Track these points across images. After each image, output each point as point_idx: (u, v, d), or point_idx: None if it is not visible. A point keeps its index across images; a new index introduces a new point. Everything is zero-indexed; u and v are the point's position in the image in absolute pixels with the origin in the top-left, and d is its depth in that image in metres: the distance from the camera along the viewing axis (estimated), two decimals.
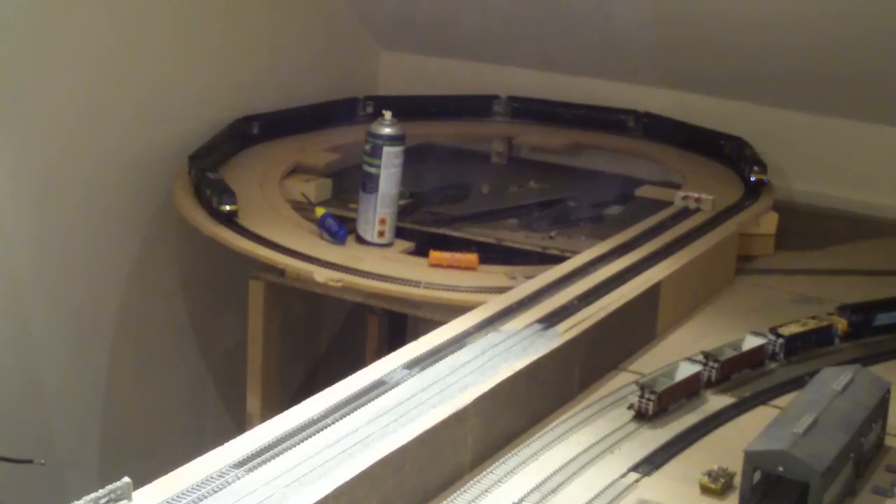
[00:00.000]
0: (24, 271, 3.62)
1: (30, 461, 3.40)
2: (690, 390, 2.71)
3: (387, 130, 3.54)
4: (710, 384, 2.77)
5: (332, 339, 4.87)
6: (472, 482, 2.28)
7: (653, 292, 3.02)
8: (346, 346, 4.82)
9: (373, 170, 3.54)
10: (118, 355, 4.00)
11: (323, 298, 3.86)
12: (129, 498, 1.90)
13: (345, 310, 4.77)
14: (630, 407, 2.62)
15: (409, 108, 4.38)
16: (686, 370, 2.71)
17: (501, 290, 3.03)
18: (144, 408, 4.17)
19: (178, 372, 4.30)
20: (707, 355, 2.79)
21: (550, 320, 2.73)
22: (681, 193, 3.68)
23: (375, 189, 3.53)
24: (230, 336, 4.32)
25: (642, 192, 4.11)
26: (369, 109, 4.58)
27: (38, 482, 3.51)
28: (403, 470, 2.15)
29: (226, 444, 2.11)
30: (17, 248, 3.59)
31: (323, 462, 2.06)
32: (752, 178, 3.83)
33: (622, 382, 2.78)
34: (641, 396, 2.60)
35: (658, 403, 2.60)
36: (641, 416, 2.60)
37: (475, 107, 4.77)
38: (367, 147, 3.56)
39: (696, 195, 3.63)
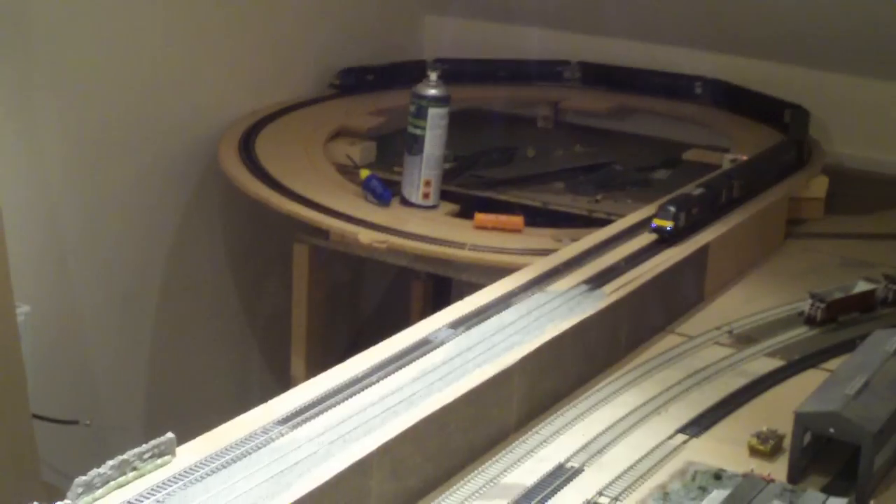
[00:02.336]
0: (69, 235, 3.62)
1: (75, 422, 3.42)
2: (864, 305, 2.87)
3: (432, 91, 3.52)
4: (886, 304, 2.92)
5: (376, 304, 4.86)
6: (517, 442, 2.26)
7: (701, 254, 2.98)
8: (390, 311, 4.80)
9: (418, 131, 3.51)
10: (163, 318, 4.01)
11: (367, 263, 3.85)
12: (172, 453, 1.89)
13: (389, 275, 4.76)
14: (800, 314, 2.85)
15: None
16: (862, 287, 2.90)
17: (547, 253, 2.99)
18: (189, 370, 4.18)
19: (223, 335, 4.30)
20: (888, 277, 2.95)
21: (597, 281, 2.70)
22: (729, 156, 3.63)
23: (420, 150, 3.51)
24: (274, 300, 4.31)
25: (690, 155, 4.07)
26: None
27: (83, 443, 3.52)
28: (448, 429, 2.13)
29: (270, 402, 2.10)
30: (62, 212, 3.59)
31: (367, 419, 2.04)
32: (654, 225, 2.97)
33: (670, 344, 2.74)
34: (812, 304, 2.81)
35: (826, 311, 2.81)
36: (810, 322, 2.82)
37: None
38: (412, 108, 3.54)
39: (744, 158, 3.57)
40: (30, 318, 3.22)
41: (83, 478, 1.76)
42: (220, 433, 1.98)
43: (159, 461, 1.87)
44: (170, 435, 1.89)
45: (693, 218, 3.00)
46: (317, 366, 3.73)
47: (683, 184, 3.49)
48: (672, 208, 2.93)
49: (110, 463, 1.80)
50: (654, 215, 2.95)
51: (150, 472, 1.84)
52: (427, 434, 2.08)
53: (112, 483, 1.80)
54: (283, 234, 3.77)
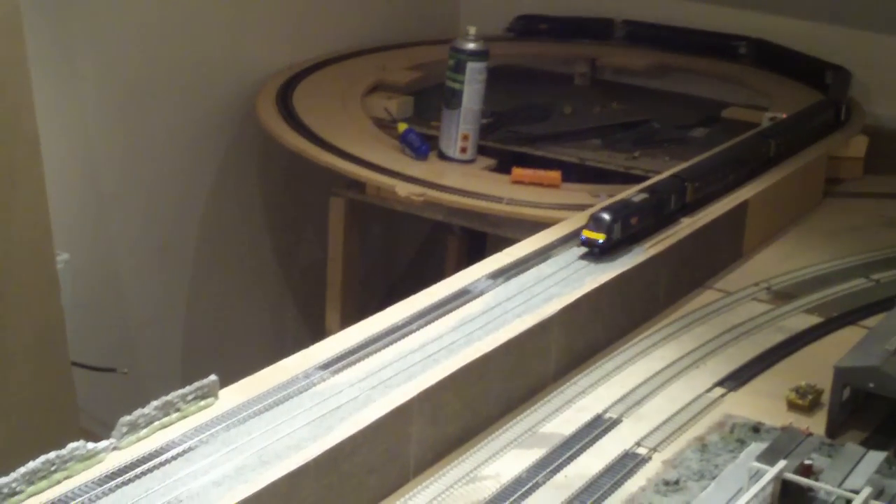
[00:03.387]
0: (108, 184, 3.64)
1: (113, 370, 3.44)
2: None
3: (471, 46, 3.51)
4: None
5: (411, 260, 4.86)
6: (555, 392, 2.27)
7: (740, 211, 2.97)
8: (425, 267, 4.81)
9: (456, 85, 3.51)
10: (199, 269, 4.03)
11: (402, 218, 3.85)
12: (215, 395, 1.91)
13: (424, 231, 4.76)
14: None
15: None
16: None
17: (584, 208, 2.99)
18: (225, 321, 4.20)
19: (258, 287, 4.32)
20: None
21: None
22: (768, 114, 3.61)
23: (458, 105, 3.51)
24: (310, 253, 4.33)
25: (729, 113, 4.04)
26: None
27: (120, 391, 3.54)
28: (487, 377, 2.14)
29: (311, 347, 2.11)
30: (102, 162, 3.61)
31: (408, 366, 2.06)
32: (583, 238, 2.53)
33: (707, 300, 2.74)
34: None
35: None
36: None
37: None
38: (451, 62, 3.53)
39: (784, 116, 3.55)
40: (69, 266, 3.24)
41: (127, 417, 1.78)
42: (261, 377, 2.00)
43: (202, 403, 1.88)
44: (213, 377, 1.91)
45: (632, 229, 2.57)
46: (351, 319, 3.70)
47: (721, 141, 3.47)
48: (606, 217, 2.50)
49: (154, 403, 1.82)
50: (585, 226, 2.52)
51: (193, 413, 1.86)
52: (466, 382, 2.08)
53: (156, 423, 1.81)
54: (319, 188, 3.77)
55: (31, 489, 1.63)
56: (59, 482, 1.67)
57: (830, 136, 3.56)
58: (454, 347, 2.13)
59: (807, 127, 3.46)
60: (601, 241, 2.47)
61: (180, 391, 1.86)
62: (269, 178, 4.18)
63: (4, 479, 1.61)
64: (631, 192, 2.69)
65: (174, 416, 1.84)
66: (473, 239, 4.35)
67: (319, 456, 1.77)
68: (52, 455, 1.67)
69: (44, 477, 1.65)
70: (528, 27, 4.62)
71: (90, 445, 1.71)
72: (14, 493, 1.61)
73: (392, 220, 4.29)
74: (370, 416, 1.88)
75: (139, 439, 1.78)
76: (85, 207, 3.58)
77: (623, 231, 2.53)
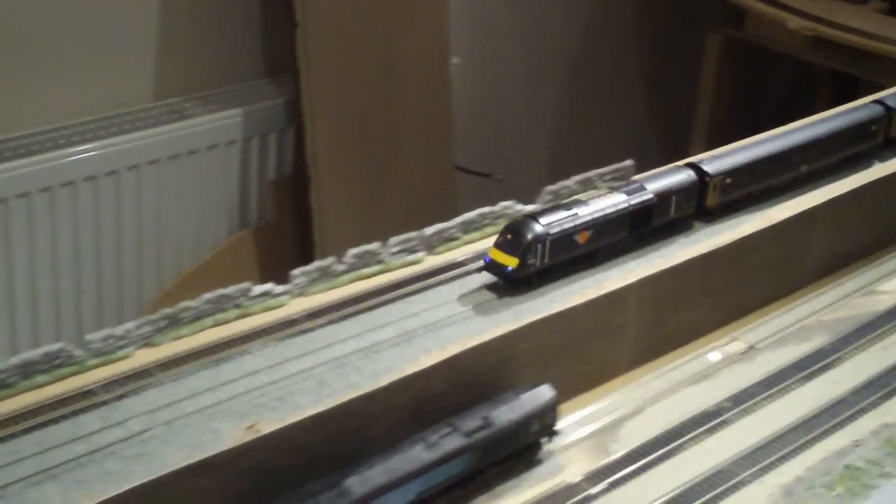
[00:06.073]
0: None
1: (488, 175, 3.57)
2: None
3: None
4: None
5: (777, 105, 4.78)
6: (813, 295, 2.05)
7: None
8: (790, 116, 4.72)
9: None
10: (570, 89, 4.08)
11: (775, 60, 3.79)
12: (630, 177, 1.99)
13: (794, 77, 4.67)
14: None
15: None
16: None
17: None
18: (588, 142, 4.24)
19: (622, 110, 4.33)
20: None
21: None
22: None
23: None
24: (676, 86, 4.32)
25: None
26: None
27: (489, 195, 3.67)
28: (891, 195, 2.13)
29: (713, 151, 2.16)
30: None
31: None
32: (488, 259, 1.71)
33: None
34: None
35: None
36: None
37: None
38: None
39: None
40: (458, 70, 3.36)
41: (551, 186, 1.89)
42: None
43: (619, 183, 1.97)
44: (629, 161, 1.99)
45: (577, 250, 1.75)
46: None
47: None
48: (528, 232, 1.68)
49: (575, 178, 1.92)
50: (495, 243, 1.70)
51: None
52: (869, 199, 2.09)
53: (573, 197, 1.91)
54: (694, 23, 3.76)
55: (466, 237, 1.77)
56: (488, 236, 1.79)
57: None
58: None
59: None
60: (510, 268, 1.67)
61: (598, 170, 1.95)
62: (647, 9, 4.19)
63: (444, 224, 1.74)
64: (595, 193, 1.85)
65: (592, 192, 1.93)
66: (843, 88, 4.25)
67: (728, 245, 1.83)
68: (485, 209, 1.79)
69: (476, 228, 1.78)
70: None
71: (518, 206, 1.83)
72: (452, 238, 1.75)
73: (764, 61, 4.23)
74: (776, 216, 1.92)
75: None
76: (475, 15, 3.68)
77: (554, 255, 1.70)
